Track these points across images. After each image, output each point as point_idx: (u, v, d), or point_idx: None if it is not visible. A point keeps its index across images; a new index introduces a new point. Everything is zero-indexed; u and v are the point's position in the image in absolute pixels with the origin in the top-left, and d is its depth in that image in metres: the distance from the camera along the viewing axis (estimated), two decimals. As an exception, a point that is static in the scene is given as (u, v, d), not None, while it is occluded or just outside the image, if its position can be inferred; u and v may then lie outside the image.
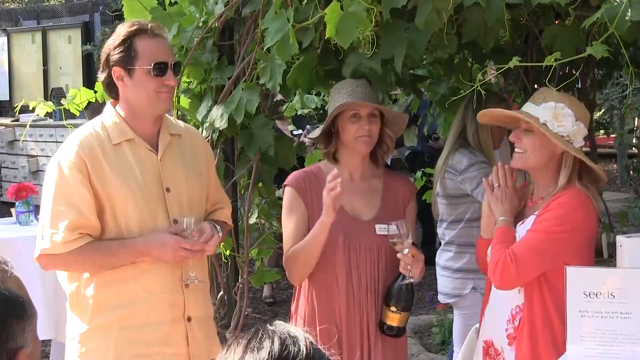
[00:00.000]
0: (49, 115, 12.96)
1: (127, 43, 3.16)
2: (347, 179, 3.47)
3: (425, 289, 7.56)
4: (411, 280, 3.32)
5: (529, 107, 3.24)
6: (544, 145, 3.18)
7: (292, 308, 3.60)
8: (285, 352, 1.60)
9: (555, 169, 3.21)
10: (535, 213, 3.22)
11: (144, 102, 3.21)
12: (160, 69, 3.18)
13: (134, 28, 3.19)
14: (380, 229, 3.41)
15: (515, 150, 3.27)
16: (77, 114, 4.53)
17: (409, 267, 3.29)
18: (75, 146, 3.16)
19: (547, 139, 3.15)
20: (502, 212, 3.25)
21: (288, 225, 3.50)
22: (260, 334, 1.64)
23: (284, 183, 3.57)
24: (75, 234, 3.09)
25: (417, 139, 9.45)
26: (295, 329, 1.66)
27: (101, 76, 3.27)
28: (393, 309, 3.34)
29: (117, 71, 3.18)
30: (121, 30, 3.20)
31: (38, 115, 4.48)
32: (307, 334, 1.66)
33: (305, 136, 7.65)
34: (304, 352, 1.61)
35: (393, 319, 3.35)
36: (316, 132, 3.56)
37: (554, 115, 3.15)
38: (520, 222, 3.28)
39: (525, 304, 3.21)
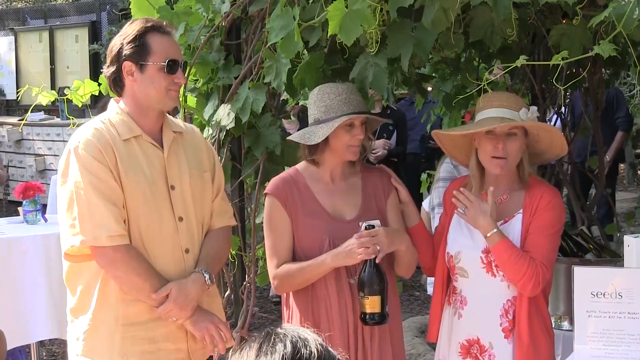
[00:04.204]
0: (55, 114, 13.05)
1: (141, 39, 3.16)
2: (327, 180, 3.46)
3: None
4: (372, 257, 3.23)
5: (506, 114, 3.29)
6: (521, 147, 3.33)
7: (285, 313, 3.54)
8: (298, 355, 1.63)
9: (515, 167, 3.37)
10: (519, 212, 3.33)
11: (152, 98, 3.20)
12: (172, 66, 3.18)
13: (148, 24, 3.19)
14: (364, 226, 3.33)
15: (495, 157, 3.30)
16: (80, 104, 4.53)
17: (368, 250, 3.23)
18: (91, 137, 3.13)
19: (523, 142, 3.33)
20: (490, 226, 3.26)
21: (272, 237, 3.44)
22: (272, 337, 1.67)
23: (265, 191, 3.52)
24: (120, 228, 3.07)
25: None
26: (306, 331, 1.69)
27: (107, 71, 3.24)
28: (366, 295, 3.26)
29: (127, 66, 3.17)
30: (134, 26, 3.19)
31: (40, 103, 4.48)
32: (316, 335, 1.68)
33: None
34: (315, 354, 1.63)
35: (370, 305, 3.27)
36: (304, 137, 3.41)
37: (532, 119, 3.33)
38: (501, 221, 3.34)
39: (520, 295, 3.29)
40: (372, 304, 3.27)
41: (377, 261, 3.25)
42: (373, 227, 3.24)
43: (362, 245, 3.21)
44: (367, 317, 3.29)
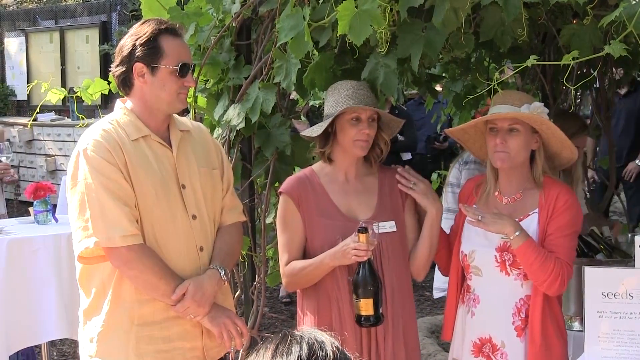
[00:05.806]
0: (66, 114, 13.08)
1: (154, 41, 3.15)
2: (342, 180, 3.47)
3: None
4: (364, 259, 3.23)
5: (507, 109, 3.31)
6: (527, 143, 3.34)
7: (298, 315, 3.55)
8: (314, 357, 1.63)
9: (526, 164, 3.39)
10: (535, 211, 3.34)
11: (163, 100, 3.20)
12: (185, 70, 3.19)
13: (162, 27, 3.18)
14: (378, 227, 3.34)
15: (497, 152, 3.32)
16: (90, 103, 4.54)
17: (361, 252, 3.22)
18: (100, 138, 3.12)
19: (529, 137, 3.33)
20: (515, 227, 3.25)
21: (284, 235, 3.47)
22: (288, 339, 1.68)
23: (279, 190, 3.54)
24: (133, 228, 3.08)
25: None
26: (322, 334, 1.70)
27: (116, 70, 3.23)
28: (360, 297, 3.25)
29: (138, 67, 3.17)
30: (146, 28, 3.18)
31: (50, 102, 4.48)
32: (333, 338, 1.69)
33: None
34: (331, 356, 1.64)
35: (364, 308, 3.26)
36: (312, 130, 3.47)
37: (539, 114, 3.34)
38: (515, 219, 3.32)
39: (534, 295, 3.30)
40: (365, 307, 3.26)
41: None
42: (365, 229, 3.21)
43: (357, 247, 3.20)
44: (362, 319, 3.29)
